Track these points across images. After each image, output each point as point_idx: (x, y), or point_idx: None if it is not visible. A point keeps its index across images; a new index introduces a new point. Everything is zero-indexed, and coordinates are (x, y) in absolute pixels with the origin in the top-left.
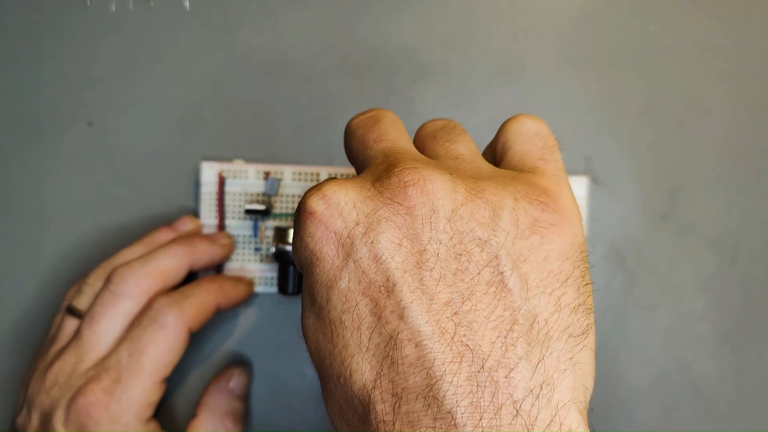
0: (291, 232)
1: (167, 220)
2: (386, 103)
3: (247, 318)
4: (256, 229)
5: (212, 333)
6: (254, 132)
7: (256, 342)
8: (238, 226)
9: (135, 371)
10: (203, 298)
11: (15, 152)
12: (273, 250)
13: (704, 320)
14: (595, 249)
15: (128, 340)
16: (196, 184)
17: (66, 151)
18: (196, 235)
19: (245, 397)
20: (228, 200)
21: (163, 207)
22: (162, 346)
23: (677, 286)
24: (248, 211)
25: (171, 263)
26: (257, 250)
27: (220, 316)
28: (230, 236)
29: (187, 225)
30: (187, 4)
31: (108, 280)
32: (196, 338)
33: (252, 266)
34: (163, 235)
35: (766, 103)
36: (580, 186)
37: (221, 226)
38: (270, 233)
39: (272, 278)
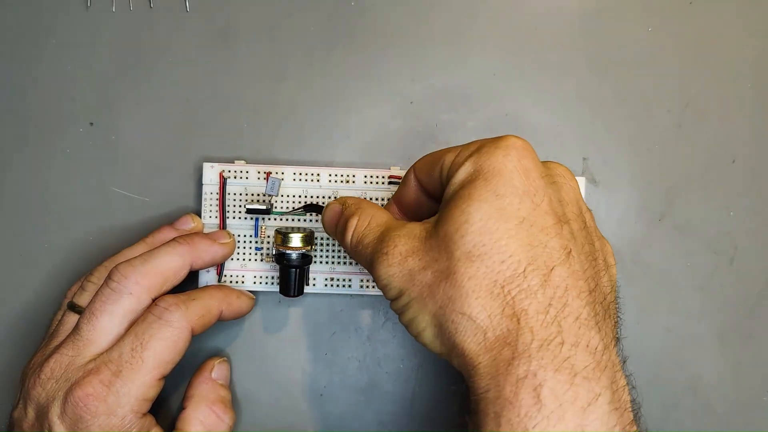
0: (292, 236)
1: (169, 220)
2: (386, 102)
3: (248, 316)
4: (257, 228)
5: (214, 332)
6: (255, 132)
7: (256, 340)
8: (239, 225)
9: (136, 365)
10: (208, 303)
11: (17, 152)
12: (274, 252)
13: (702, 319)
14: None
15: (131, 335)
16: (198, 184)
17: (68, 150)
18: (197, 233)
19: (229, 385)
20: (229, 200)
21: (165, 206)
22: (165, 342)
23: (675, 285)
24: (249, 211)
25: (172, 262)
26: (258, 249)
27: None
28: (231, 235)
29: (188, 224)
30: (187, 4)
31: (108, 277)
32: (198, 337)
33: (253, 265)
34: (165, 234)
35: (764, 104)
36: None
37: (222, 226)
38: (271, 233)
39: (272, 277)
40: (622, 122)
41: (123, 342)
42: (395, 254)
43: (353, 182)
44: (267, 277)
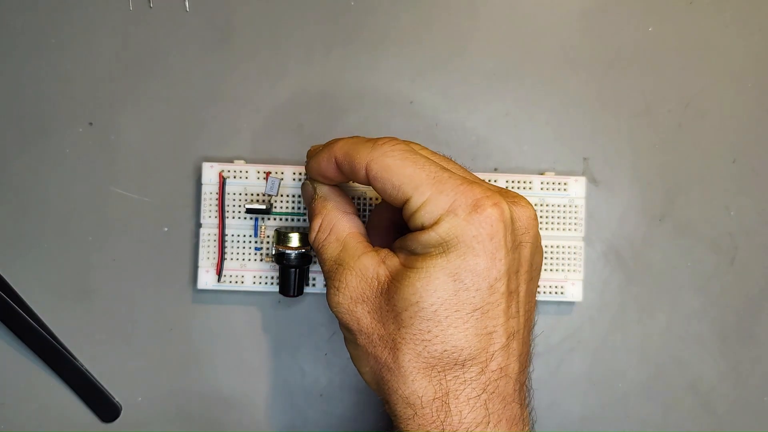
0: (291, 235)
1: (169, 220)
2: (386, 103)
3: (247, 316)
4: (256, 228)
5: (213, 331)
6: (255, 132)
7: (256, 340)
8: (238, 225)
9: None
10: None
11: (16, 152)
12: (274, 252)
13: (702, 320)
14: (594, 248)
15: None
16: (197, 184)
17: (67, 151)
18: None
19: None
20: (228, 200)
21: (165, 206)
22: None
23: (675, 285)
24: (249, 211)
25: None
26: (257, 249)
27: (219, 316)
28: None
29: None
30: (187, 4)
31: None
32: (196, 336)
33: (252, 265)
34: None
35: (765, 104)
36: (578, 186)
37: (222, 226)
38: (270, 233)
39: (272, 277)
40: (622, 122)
41: None
42: (345, 294)
43: (353, 182)
44: (267, 277)
